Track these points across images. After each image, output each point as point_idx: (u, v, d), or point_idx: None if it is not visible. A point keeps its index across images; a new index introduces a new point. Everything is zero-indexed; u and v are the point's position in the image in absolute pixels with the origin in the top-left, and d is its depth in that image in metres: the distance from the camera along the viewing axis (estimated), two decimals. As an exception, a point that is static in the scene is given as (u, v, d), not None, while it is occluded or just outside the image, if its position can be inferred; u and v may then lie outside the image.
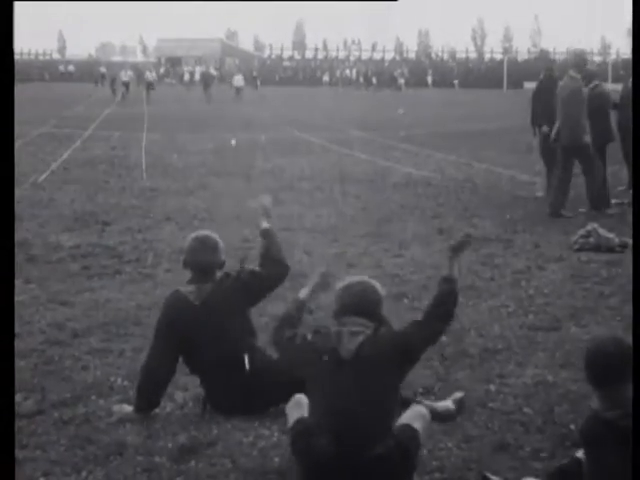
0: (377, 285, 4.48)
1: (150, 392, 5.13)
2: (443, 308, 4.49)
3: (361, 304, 4.37)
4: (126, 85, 50.26)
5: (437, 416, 5.02)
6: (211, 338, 5.10)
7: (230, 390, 5.06)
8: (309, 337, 4.48)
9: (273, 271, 5.46)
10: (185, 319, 5.14)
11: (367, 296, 4.40)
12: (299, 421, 4.18)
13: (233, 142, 23.41)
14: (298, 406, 4.29)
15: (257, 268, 5.48)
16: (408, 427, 4.16)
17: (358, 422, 4.06)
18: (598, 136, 12.23)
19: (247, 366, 5.09)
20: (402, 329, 4.45)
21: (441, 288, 4.54)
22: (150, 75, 55.56)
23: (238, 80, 53.56)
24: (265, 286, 5.46)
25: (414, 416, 4.24)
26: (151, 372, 5.14)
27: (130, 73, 54.25)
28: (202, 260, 5.23)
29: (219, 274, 5.33)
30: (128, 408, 5.11)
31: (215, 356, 5.09)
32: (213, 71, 61.44)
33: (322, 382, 4.19)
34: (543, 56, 15.03)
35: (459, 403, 5.14)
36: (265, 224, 5.56)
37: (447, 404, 5.11)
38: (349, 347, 4.21)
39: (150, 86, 50.51)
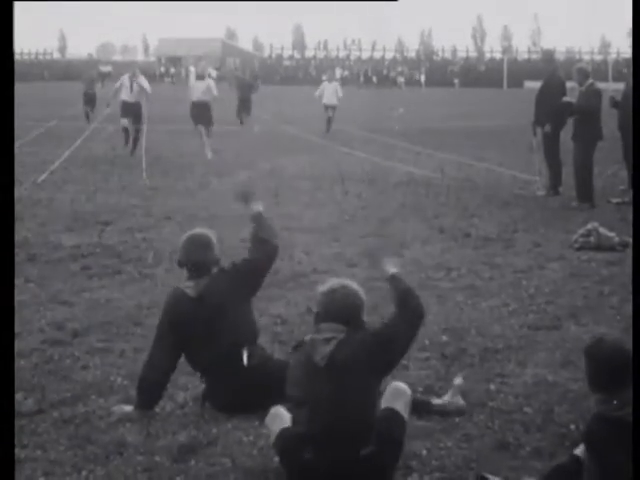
0: (358, 289, 4.42)
1: (151, 389, 5.15)
2: (408, 307, 4.45)
3: (338, 310, 4.32)
4: (131, 115, 18.99)
5: (446, 414, 5.04)
6: (209, 331, 5.13)
7: (229, 385, 5.08)
8: (292, 351, 4.49)
9: (261, 252, 5.44)
10: (184, 313, 5.17)
11: (346, 302, 4.35)
12: (282, 433, 4.21)
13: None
14: (278, 417, 4.31)
15: (247, 256, 5.47)
16: (390, 411, 4.20)
17: (340, 428, 4.08)
18: (588, 133, 12.26)
19: (245, 361, 5.11)
20: (377, 332, 4.40)
21: (394, 290, 4.50)
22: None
23: (330, 94, 25.98)
24: (258, 269, 5.43)
25: (393, 395, 4.27)
26: (153, 368, 5.16)
27: (141, 83, 18.99)
28: (196, 258, 5.25)
29: (217, 269, 5.33)
30: (127, 408, 5.12)
31: (214, 350, 5.11)
32: (244, 75, 34.95)
33: (302, 391, 4.20)
34: (546, 56, 14.92)
35: (461, 391, 5.18)
36: (255, 208, 5.51)
37: (457, 400, 5.13)
38: (323, 354, 4.21)
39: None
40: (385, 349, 4.31)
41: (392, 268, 4.55)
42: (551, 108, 12.97)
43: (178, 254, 5.36)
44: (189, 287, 5.23)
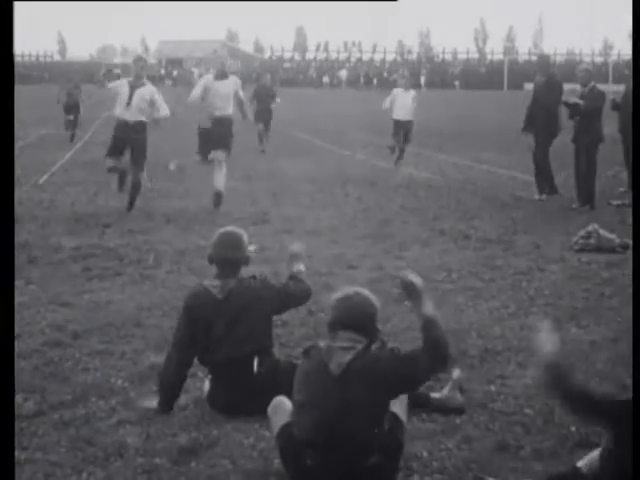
0: (372, 297, 4.38)
1: (168, 385, 5.22)
2: (436, 356, 4.18)
3: (356, 318, 4.27)
4: (128, 144, 11.82)
5: (446, 410, 5.05)
6: (226, 333, 5.15)
7: (234, 388, 5.09)
8: (303, 355, 4.45)
9: (298, 289, 5.47)
10: (206, 311, 5.20)
11: (363, 310, 4.30)
12: (285, 430, 4.21)
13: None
14: (280, 409, 4.32)
15: (287, 283, 5.47)
16: (392, 417, 4.22)
17: (347, 437, 4.06)
18: (590, 135, 12.25)
19: (255, 369, 5.13)
20: (398, 358, 4.24)
21: (427, 333, 4.15)
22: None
23: (403, 107, 17.79)
24: (287, 299, 5.45)
25: (394, 400, 4.27)
26: (170, 362, 5.23)
27: (144, 96, 11.76)
28: (227, 256, 5.31)
29: (248, 276, 5.38)
30: (154, 403, 5.18)
31: (226, 352, 5.13)
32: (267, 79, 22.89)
33: (311, 396, 4.19)
34: (542, 60, 14.72)
35: (459, 384, 5.19)
36: (295, 267, 5.55)
37: (456, 396, 5.14)
38: (339, 363, 4.16)
39: None
40: (399, 379, 4.21)
41: (432, 310, 4.20)
42: (549, 112, 12.94)
43: (210, 250, 5.40)
44: (215, 286, 5.27)
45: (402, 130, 17.55)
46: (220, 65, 12.59)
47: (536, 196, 13.40)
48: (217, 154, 12.43)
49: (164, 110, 11.87)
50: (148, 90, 11.82)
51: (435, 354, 4.13)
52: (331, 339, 4.29)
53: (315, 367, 4.24)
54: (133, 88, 11.71)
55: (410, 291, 4.17)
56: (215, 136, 12.44)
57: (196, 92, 12.33)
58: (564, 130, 13.21)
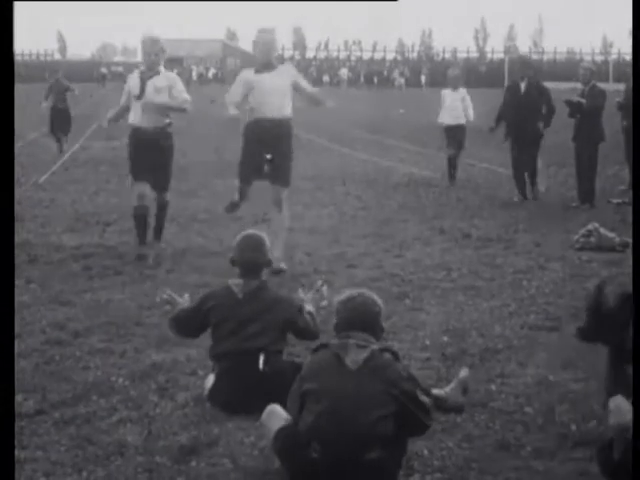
0: (376, 297, 4.49)
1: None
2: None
3: (363, 318, 4.38)
4: (150, 165, 9.00)
5: (444, 409, 5.06)
6: (238, 330, 5.21)
7: (237, 383, 5.11)
8: (314, 351, 4.48)
9: (312, 321, 5.52)
10: (224, 306, 5.32)
11: (368, 309, 4.41)
12: (282, 432, 4.21)
13: None
14: (275, 416, 4.32)
15: (305, 318, 5.46)
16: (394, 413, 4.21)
17: (354, 428, 4.07)
18: (591, 134, 12.24)
19: (261, 366, 5.15)
20: (410, 378, 4.31)
21: (445, 407, 5.04)
22: None
23: (453, 109, 15.51)
24: (296, 332, 5.50)
25: None
26: (179, 329, 5.61)
27: (158, 85, 8.69)
28: (248, 258, 5.43)
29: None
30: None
31: (235, 347, 5.18)
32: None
33: (326, 385, 4.19)
34: (523, 62, 14.48)
35: (464, 384, 5.22)
36: (307, 307, 5.57)
37: (457, 396, 5.15)
38: (356, 358, 4.21)
39: None
40: (400, 392, 4.21)
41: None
42: (534, 117, 12.86)
43: (232, 253, 5.52)
44: (237, 285, 5.40)
45: (453, 138, 15.20)
46: (265, 53, 8.54)
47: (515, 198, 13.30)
48: (276, 191, 8.72)
49: (184, 96, 8.87)
50: (164, 77, 8.85)
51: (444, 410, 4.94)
52: (344, 337, 4.33)
53: (329, 359, 4.27)
54: (144, 79, 8.81)
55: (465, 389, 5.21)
56: (268, 154, 8.49)
57: (235, 90, 8.64)
58: (565, 129, 13.22)
